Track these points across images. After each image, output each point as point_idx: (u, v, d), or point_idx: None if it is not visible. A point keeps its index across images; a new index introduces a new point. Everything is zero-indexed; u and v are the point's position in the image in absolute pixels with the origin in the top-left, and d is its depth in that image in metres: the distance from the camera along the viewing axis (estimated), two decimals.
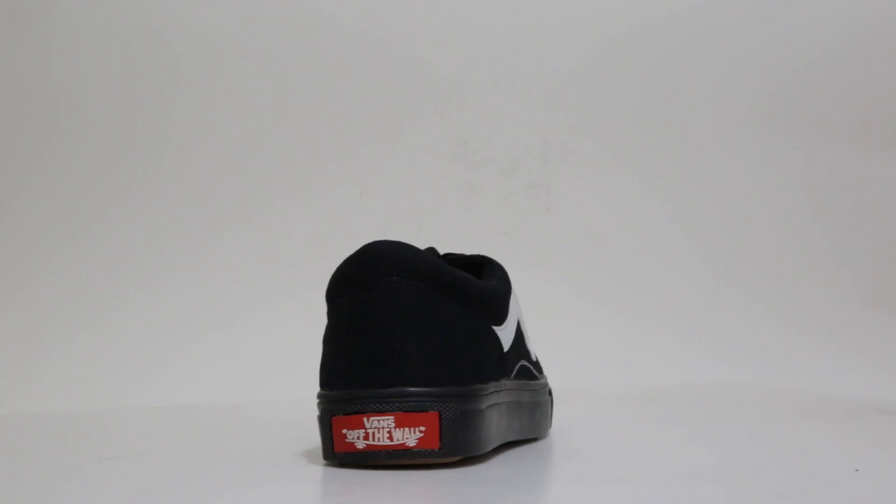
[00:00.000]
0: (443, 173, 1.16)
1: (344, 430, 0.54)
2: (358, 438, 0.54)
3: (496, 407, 0.58)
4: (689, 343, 1.11)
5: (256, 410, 0.87)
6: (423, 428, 0.53)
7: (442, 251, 0.69)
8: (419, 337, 0.54)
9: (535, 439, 0.67)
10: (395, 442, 0.53)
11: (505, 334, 0.61)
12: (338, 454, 0.55)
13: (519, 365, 0.64)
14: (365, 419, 0.54)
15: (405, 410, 0.53)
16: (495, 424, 0.58)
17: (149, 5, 1.16)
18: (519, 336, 0.64)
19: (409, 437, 0.54)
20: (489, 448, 0.57)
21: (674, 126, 1.18)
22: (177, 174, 1.14)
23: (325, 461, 0.56)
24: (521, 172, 1.17)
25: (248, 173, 1.15)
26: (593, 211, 1.17)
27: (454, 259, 0.66)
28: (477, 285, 0.59)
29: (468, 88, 1.18)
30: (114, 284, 1.10)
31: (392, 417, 0.53)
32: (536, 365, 0.68)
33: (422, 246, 0.68)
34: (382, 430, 0.54)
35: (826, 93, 1.19)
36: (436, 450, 0.54)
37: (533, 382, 0.65)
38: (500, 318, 0.61)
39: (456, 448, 0.54)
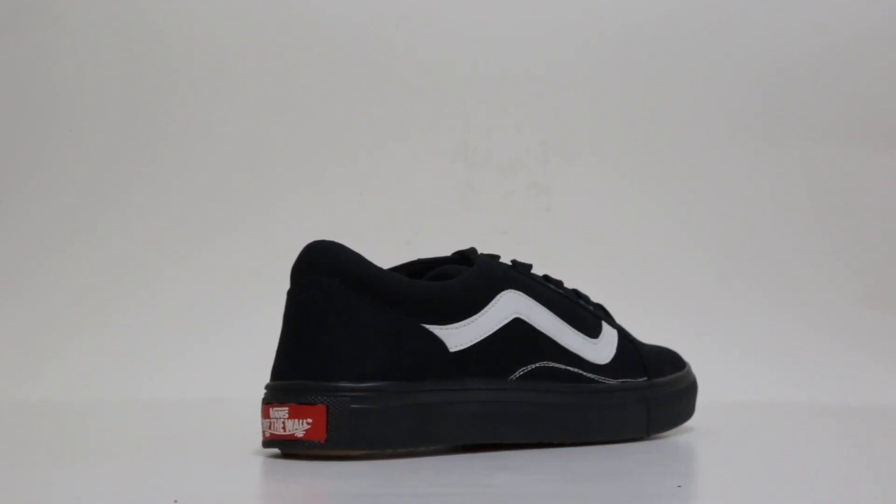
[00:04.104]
0: (443, 173, 1.16)
1: (261, 420, 0.60)
2: (267, 428, 0.59)
3: (450, 406, 0.60)
4: (690, 343, 1.11)
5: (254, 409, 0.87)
6: (310, 420, 0.57)
7: (442, 251, 0.69)
8: (323, 333, 0.58)
9: (589, 442, 0.66)
10: (287, 432, 0.58)
11: (459, 334, 0.61)
12: (263, 441, 0.60)
13: (535, 366, 0.64)
14: (271, 410, 0.59)
15: (297, 403, 0.57)
16: (441, 423, 0.60)
17: (149, 5, 1.16)
18: (528, 336, 0.64)
19: (297, 428, 0.57)
20: (415, 447, 0.60)
21: (675, 126, 1.18)
22: (177, 174, 1.14)
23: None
24: (521, 172, 1.17)
25: (248, 173, 1.15)
26: (593, 211, 1.17)
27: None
28: (403, 284, 0.60)
29: (468, 88, 1.18)
30: (114, 284, 1.10)
31: (287, 409, 0.58)
32: (599, 367, 0.68)
33: (459, 247, 0.68)
34: (279, 420, 0.58)
35: (826, 93, 1.19)
36: (322, 442, 0.57)
37: (568, 384, 0.65)
38: (449, 317, 0.61)
39: (344, 442, 0.57)
